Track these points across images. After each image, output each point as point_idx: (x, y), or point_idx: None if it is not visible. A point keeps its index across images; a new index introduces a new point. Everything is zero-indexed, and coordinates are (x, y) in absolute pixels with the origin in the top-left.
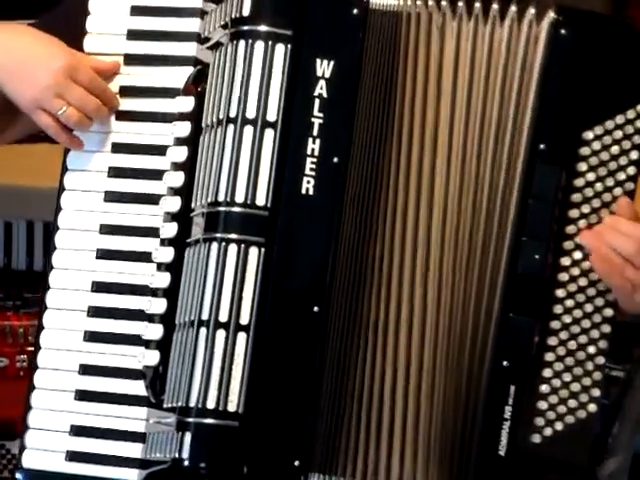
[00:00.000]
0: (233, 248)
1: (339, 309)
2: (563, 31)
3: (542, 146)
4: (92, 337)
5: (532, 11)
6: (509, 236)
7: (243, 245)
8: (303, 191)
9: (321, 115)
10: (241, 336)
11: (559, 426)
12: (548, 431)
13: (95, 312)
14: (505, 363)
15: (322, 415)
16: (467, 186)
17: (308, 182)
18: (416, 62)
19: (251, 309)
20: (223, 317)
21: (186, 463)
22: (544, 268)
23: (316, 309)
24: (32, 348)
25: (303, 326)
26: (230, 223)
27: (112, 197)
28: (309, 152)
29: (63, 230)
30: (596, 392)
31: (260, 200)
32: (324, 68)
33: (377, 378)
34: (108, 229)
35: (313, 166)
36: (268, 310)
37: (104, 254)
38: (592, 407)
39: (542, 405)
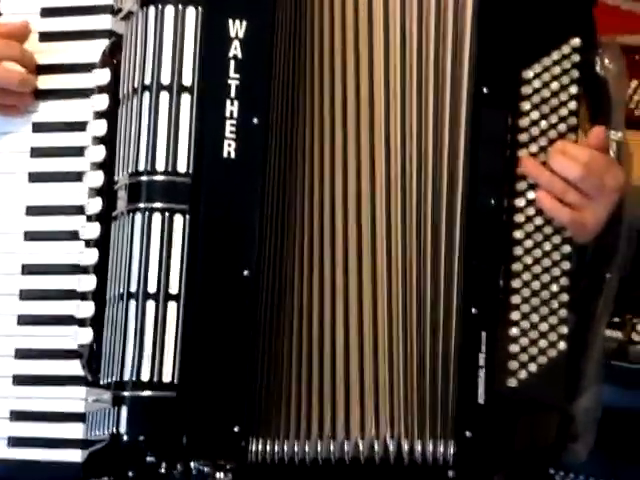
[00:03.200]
0: (157, 217)
1: (269, 270)
2: None
3: (485, 89)
4: (26, 320)
5: None
6: (461, 182)
7: (167, 213)
8: (225, 154)
9: (237, 76)
10: (171, 305)
11: (533, 367)
12: (523, 374)
13: (27, 295)
14: (474, 310)
15: (259, 379)
16: (410, 136)
17: (229, 145)
18: (332, 10)
19: (180, 278)
20: (152, 288)
21: (125, 438)
22: (500, 211)
23: (246, 273)
24: None
25: (234, 291)
26: (153, 192)
27: (36, 177)
28: (228, 114)
29: None
30: (564, 329)
31: (181, 167)
32: (237, 28)
33: (315, 337)
34: (34, 210)
35: (233, 129)
36: (197, 277)
37: (32, 236)
38: (562, 345)
39: (514, 348)
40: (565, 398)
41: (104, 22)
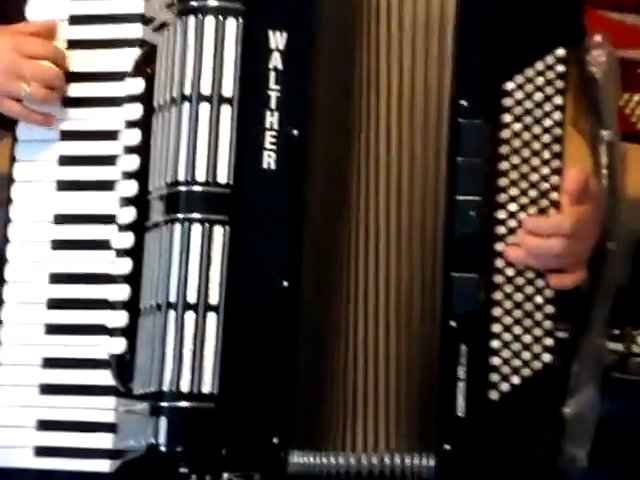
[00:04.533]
0: (197, 228)
1: (310, 282)
2: None
3: (463, 102)
4: (53, 329)
5: None
6: (444, 196)
7: (207, 224)
8: (264, 166)
9: (277, 88)
10: (211, 316)
11: (516, 380)
12: (505, 386)
13: (55, 304)
14: (453, 323)
15: (299, 390)
16: (409, 154)
17: (269, 156)
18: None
19: (220, 288)
20: (192, 298)
21: (163, 448)
22: (481, 224)
23: (285, 284)
24: None
25: (273, 302)
26: (192, 202)
27: (64, 186)
28: (268, 126)
29: (16, 222)
30: (549, 341)
31: (221, 178)
32: (277, 40)
33: (351, 349)
34: (62, 219)
35: (273, 140)
36: (237, 288)
37: (59, 244)
38: (547, 357)
39: (495, 361)
40: (551, 410)
41: (135, 31)
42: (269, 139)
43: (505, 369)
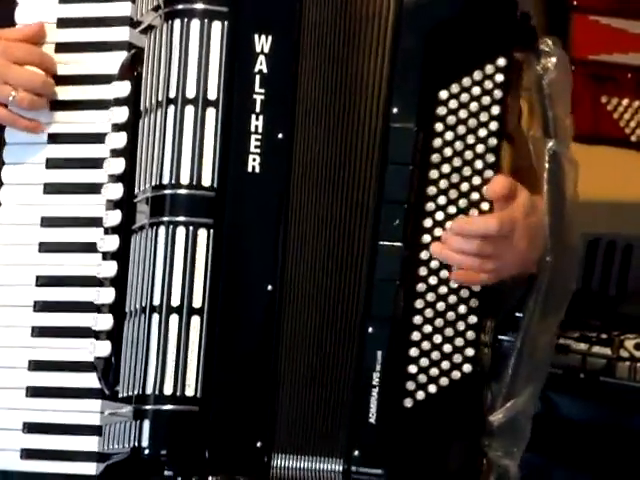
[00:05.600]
0: (181, 231)
1: (293, 285)
2: None
3: (395, 109)
4: (40, 332)
5: None
6: (370, 201)
7: (191, 227)
8: (249, 169)
9: (263, 91)
10: (195, 319)
11: (432, 389)
12: (420, 395)
13: (41, 307)
14: (370, 329)
15: (281, 394)
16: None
17: (254, 160)
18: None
19: (203, 292)
20: (175, 301)
21: (146, 451)
22: (405, 231)
23: (270, 288)
24: None
25: (257, 305)
26: (177, 205)
27: (52, 189)
28: (253, 129)
29: (3, 225)
30: (470, 352)
31: (206, 181)
32: (262, 43)
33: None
34: (49, 222)
35: (258, 143)
36: (221, 292)
37: (47, 247)
38: (467, 367)
39: (412, 369)
40: (470, 420)
41: (122, 34)
42: (254, 142)
43: (422, 378)
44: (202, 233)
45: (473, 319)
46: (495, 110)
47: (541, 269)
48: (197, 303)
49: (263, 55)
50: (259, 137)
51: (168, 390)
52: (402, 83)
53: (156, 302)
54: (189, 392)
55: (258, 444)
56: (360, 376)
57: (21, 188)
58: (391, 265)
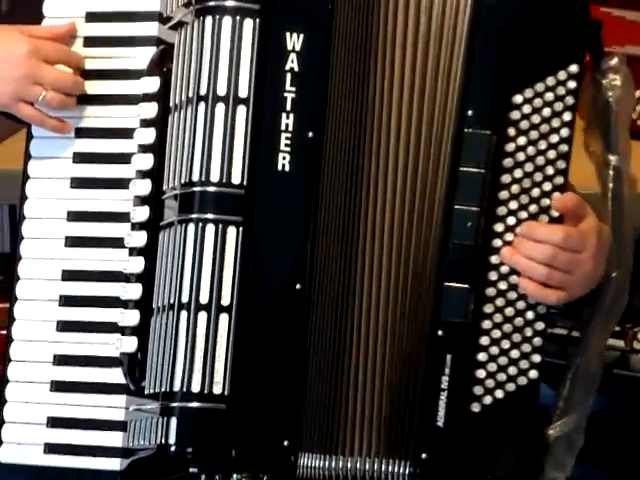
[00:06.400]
0: (211, 228)
1: (323, 285)
2: None
3: (469, 112)
4: (65, 327)
5: None
6: (442, 204)
7: (221, 225)
8: (279, 167)
9: (293, 89)
10: (223, 317)
11: (499, 394)
12: (488, 399)
13: (67, 301)
14: (440, 332)
15: (309, 393)
16: (414, 161)
17: (284, 158)
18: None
19: (232, 289)
20: (204, 299)
21: (172, 448)
22: (477, 235)
23: (298, 286)
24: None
25: (286, 304)
26: (206, 203)
27: (78, 183)
28: (283, 127)
29: (30, 219)
30: (536, 358)
31: (236, 178)
32: (294, 41)
33: (352, 351)
34: (76, 216)
35: (288, 142)
36: (249, 290)
37: (73, 242)
38: (533, 373)
39: (480, 374)
40: (535, 425)
41: (151, 29)
42: (284, 141)
43: (489, 382)
44: (231, 231)
45: (540, 325)
46: (567, 116)
47: (605, 286)
48: (225, 301)
49: (294, 53)
50: (289, 135)
51: (195, 388)
52: (476, 86)
53: (184, 299)
54: (217, 390)
55: (285, 443)
56: (429, 379)
57: (48, 182)
58: (462, 269)
